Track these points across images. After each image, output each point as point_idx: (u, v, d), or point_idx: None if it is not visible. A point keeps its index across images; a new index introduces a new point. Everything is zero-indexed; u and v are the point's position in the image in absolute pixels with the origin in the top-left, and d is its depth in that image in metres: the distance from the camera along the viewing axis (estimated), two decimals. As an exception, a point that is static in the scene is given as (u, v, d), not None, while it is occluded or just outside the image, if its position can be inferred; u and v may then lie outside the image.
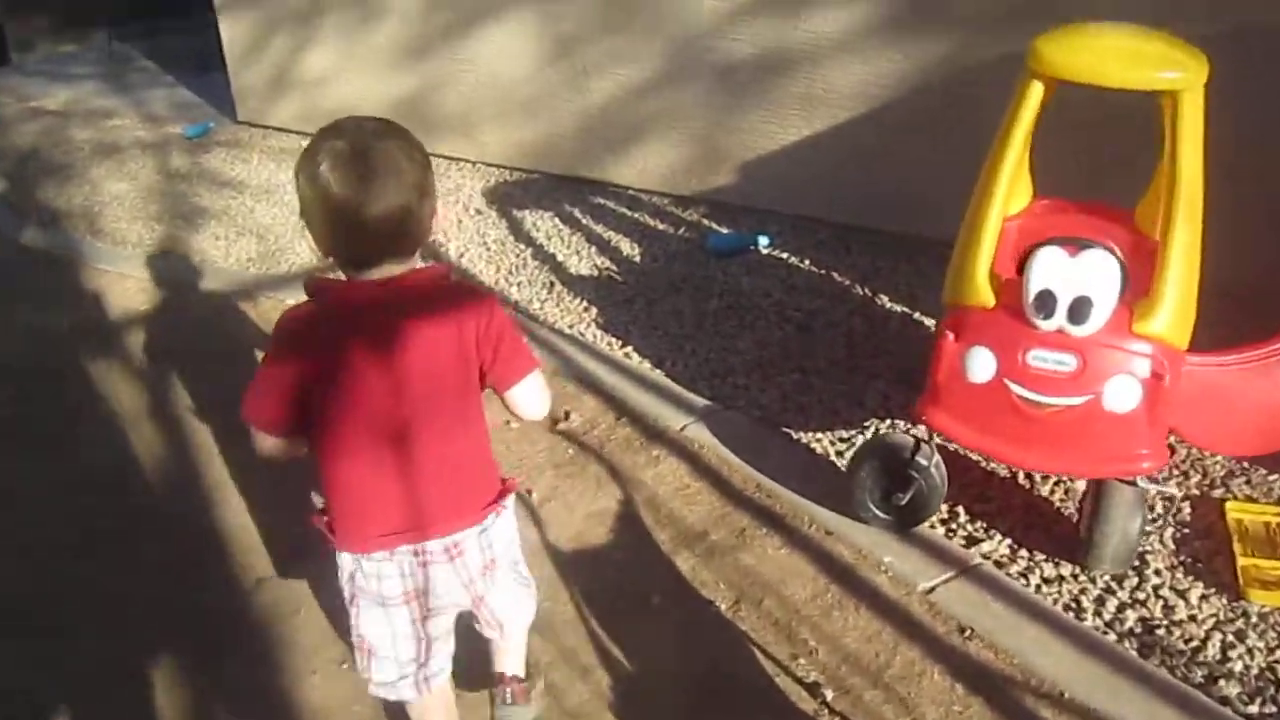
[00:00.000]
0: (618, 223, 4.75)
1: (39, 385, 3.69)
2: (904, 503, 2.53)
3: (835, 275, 4.07)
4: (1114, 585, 2.47)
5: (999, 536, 2.63)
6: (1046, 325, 2.28)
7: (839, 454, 3.00)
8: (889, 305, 3.81)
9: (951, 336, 2.40)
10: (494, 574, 1.83)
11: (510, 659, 2.10)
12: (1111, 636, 2.33)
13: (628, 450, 3.07)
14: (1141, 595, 2.44)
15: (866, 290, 3.93)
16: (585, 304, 4.00)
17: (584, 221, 4.79)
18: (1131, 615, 2.38)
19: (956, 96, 3.92)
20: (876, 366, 3.42)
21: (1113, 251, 2.27)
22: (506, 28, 5.12)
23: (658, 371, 3.48)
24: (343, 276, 1.67)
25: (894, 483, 2.55)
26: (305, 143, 1.67)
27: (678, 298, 3.99)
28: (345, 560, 1.76)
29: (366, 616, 1.79)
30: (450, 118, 5.56)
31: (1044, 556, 2.56)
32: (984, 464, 2.86)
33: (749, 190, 4.69)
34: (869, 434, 3.06)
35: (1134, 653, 2.28)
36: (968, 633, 2.35)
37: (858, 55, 4.12)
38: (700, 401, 3.27)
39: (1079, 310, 2.24)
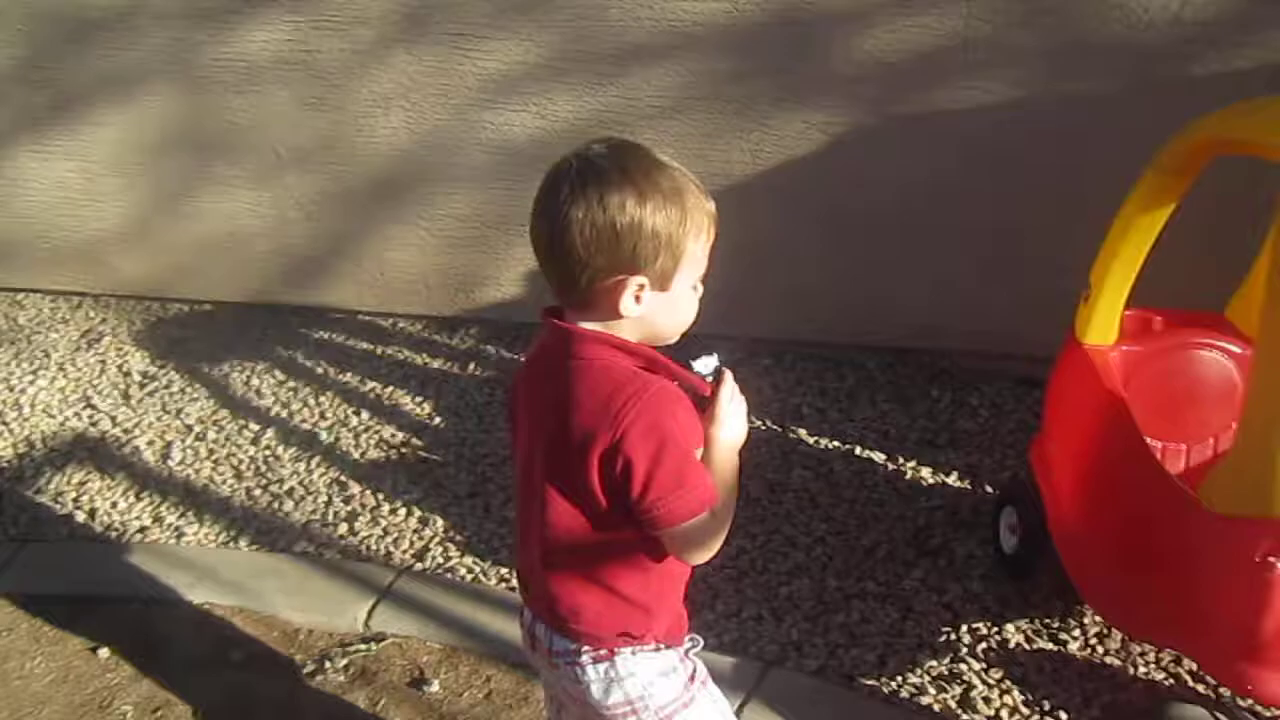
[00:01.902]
0: (373, 367, 3.44)
1: None
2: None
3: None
4: None
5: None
6: None
7: (966, 707, 2.13)
8: (808, 438, 2.99)
9: (1281, 566, 1.63)
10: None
11: None
12: None
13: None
14: None
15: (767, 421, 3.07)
16: (412, 513, 2.73)
17: (323, 372, 3.42)
18: None
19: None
20: (875, 537, 2.59)
21: None
22: (135, 101, 3.57)
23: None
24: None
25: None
26: None
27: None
28: None
29: None
30: (42, 238, 3.85)
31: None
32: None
33: (532, 302, 3.60)
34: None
35: None
36: None
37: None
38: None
39: None
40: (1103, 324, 2.17)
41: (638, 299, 1.32)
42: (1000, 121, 2.96)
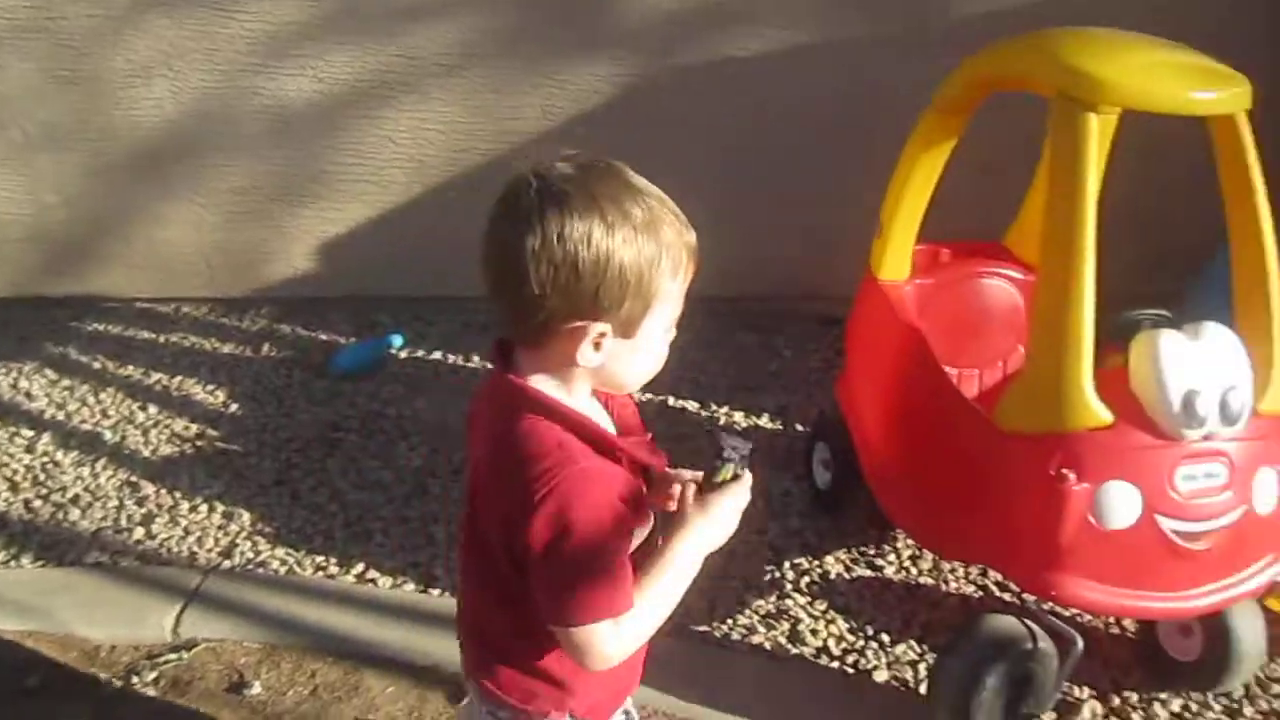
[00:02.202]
0: (156, 357, 3.22)
1: None
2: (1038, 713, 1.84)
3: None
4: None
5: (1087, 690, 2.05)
6: (1193, 434, 1.74)
7: (796, 641, 2.19)
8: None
9: (1073, 476, 1.73)
10: None
11: None
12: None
13: None
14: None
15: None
16: (215, 508, 2.58)
17: (100, 367, 3.17)
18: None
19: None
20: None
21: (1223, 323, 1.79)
22: None
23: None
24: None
25: (1014, 689, 1.84)
26: None
27: (362, 457, 2.75)
28: None
29: None
30: None
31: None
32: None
33: (326, 275, 3.45)
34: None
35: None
36: None
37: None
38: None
39: (1230, 406, 1.73)
40: (895, 260, 2.25)
41: (597, 347, 1.14)
42: (786, 68, 3.02)
